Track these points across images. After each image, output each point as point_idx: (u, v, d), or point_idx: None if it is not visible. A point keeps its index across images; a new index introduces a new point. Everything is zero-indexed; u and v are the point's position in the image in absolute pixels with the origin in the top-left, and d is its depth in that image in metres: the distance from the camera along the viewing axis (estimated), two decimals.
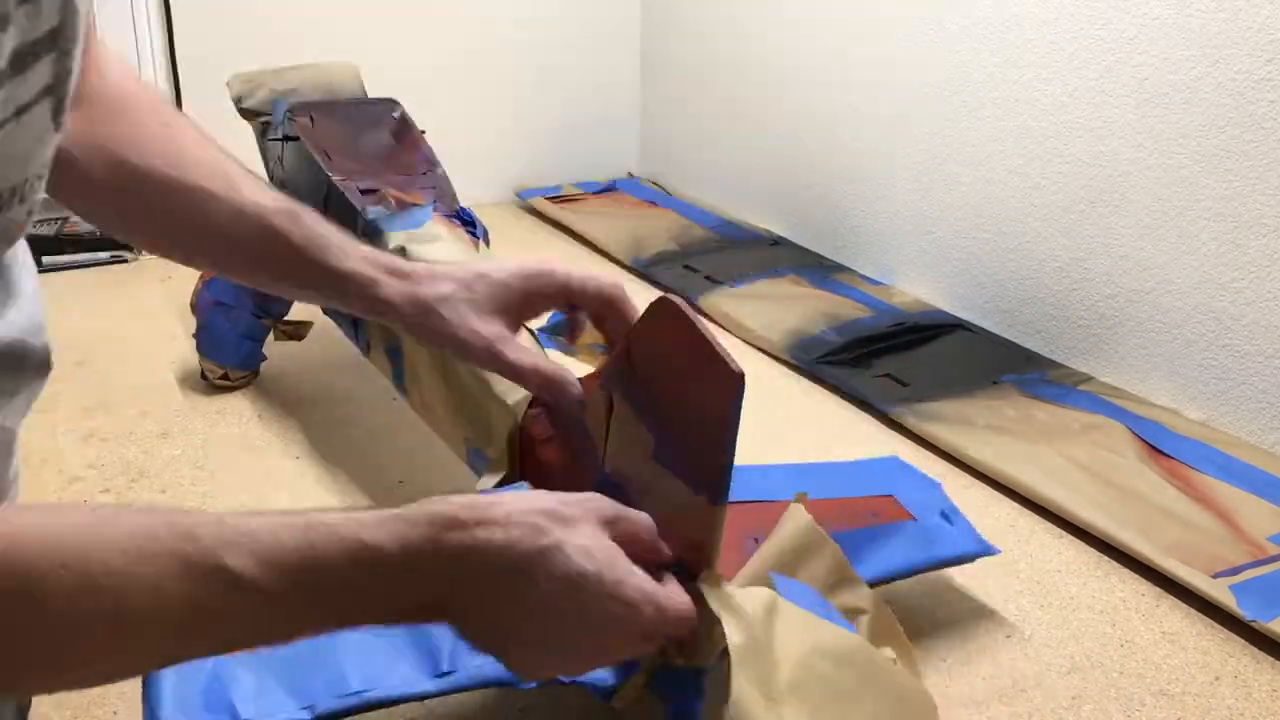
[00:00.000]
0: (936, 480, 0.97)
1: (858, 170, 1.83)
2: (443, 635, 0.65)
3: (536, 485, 0.79)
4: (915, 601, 0.97)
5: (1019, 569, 1.04)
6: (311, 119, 1.19)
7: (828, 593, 0.73)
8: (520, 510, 0.49)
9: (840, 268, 1.86)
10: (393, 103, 1.24)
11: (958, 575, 1.01)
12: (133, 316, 1.61)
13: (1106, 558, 1.06)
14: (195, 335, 1.33)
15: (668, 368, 0.61)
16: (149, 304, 1.65)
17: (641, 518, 0.55)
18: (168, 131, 0.64)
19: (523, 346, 0.66)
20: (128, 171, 0.62)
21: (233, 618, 0.43)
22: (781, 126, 2.00)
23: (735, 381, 0.55)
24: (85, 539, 0.41)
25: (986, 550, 0.91)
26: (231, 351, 1.32)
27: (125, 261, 1.83)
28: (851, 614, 0.73)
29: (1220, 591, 0.97)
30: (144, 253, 1.86)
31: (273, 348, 1.36)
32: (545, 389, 0.66)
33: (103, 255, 1.82)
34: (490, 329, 0.65)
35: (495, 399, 0.87)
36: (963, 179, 1.62)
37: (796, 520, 0.75)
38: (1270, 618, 0.93)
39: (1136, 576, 1.03)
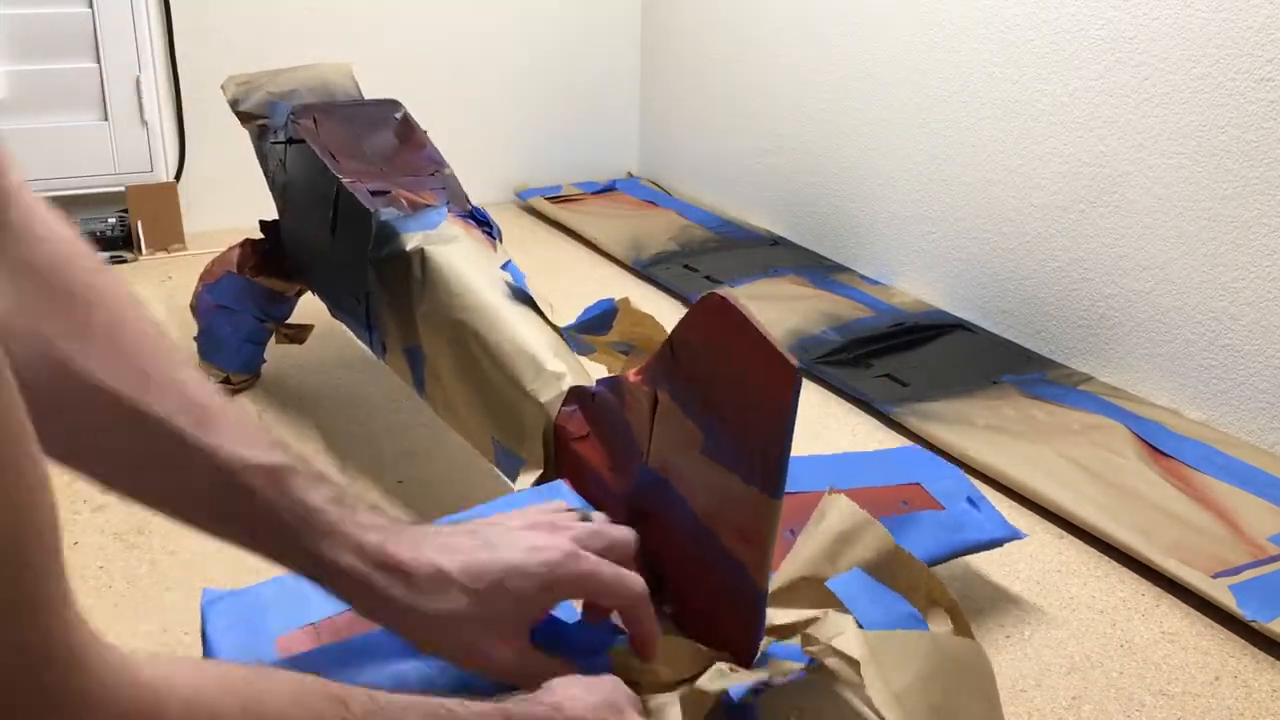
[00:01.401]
0: (959, 469, 0.97)
1: (858, 170, 1.83)
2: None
3: (574, 482, 0.80)
4: None
5: (1019, 569, 1.04)
6: (315, 121, 1.19)
7: (881, 573, 0.73)
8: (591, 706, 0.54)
9: (840, 268, 1.86)
10: (395, 103, 1.24)
11: (957, 575, 1.01)
12: None
13: (1106, 558, 1.06)
14: (196, 339, 1.32)
15: (718, 362, 0.62)
16: (149, 304, 1.65)
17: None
18: (121, 333, 0.52)
19: (545, 662, 0.59)
20: (75, 389, 0.50)
21: None
22: (781, 126, 2.00)
23: (792, 374, 0.56)
24: (256, 689, 0.43)
25: (1014, 535, 0.93)
26: (233, 355, 1.31)
27: (125, 261, 1.83)
28: (910, 593, 0.73)
29: (1220, 591, 0.97)
30: (144, 253, 1.87)
31: (272, 349, 1.36)
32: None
33: (103, 255, 1.82)
34: (505, 654, 0.58)
35: (528, 398, 0.87)
36: (963, 179, 1.62)
37: (839, 507, 0.75)
38: (1270, 618, 0.93)
39: (1136, 576, 1.03)
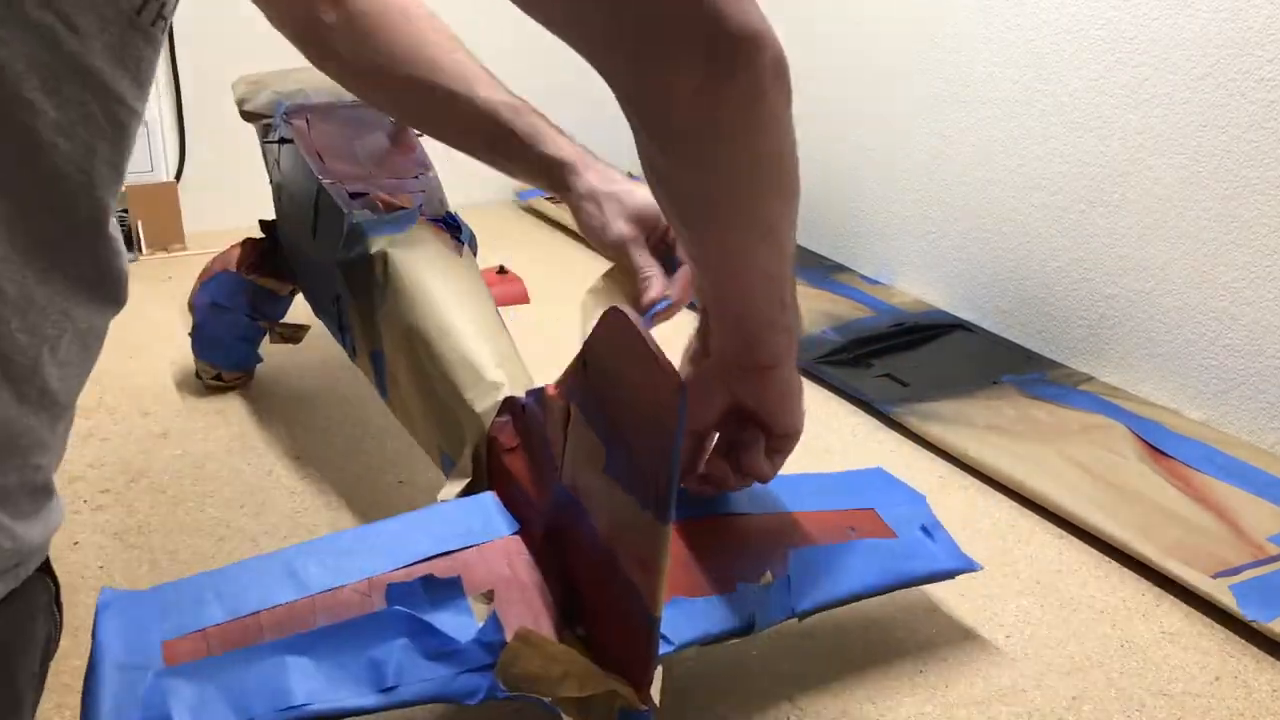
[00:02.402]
0: (921, 494, 0.94)
1: (857, 170, 1.83)
2: (389, 649, 0.64)
3: (501, 494, 0.77)
4: (914, 601, 0.97)
5: (1019, 569, 1.04)
6: (307, 121, 1.19)
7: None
8: None
9: (840, 268, 1.86)
10: None
11: (957, 575, 1.01)
12: (132, 316, 1.60)
13: (1106, 558, 1.06)
14: (190, 335, 1.33)
15: (618, 379, 0.60)
16: (148, 303, 1.65)
17: None
18: (419, 37, 0.84)
19: (646, 254, 0.84)
20: (387, 75, 0.84)
21: None
22: None
23: (677, 392, 0.53)
24: None
25: (968, 566, 0.88)
26: (226, 353, 1.32)
27: None
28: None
29: (1220, 591, 0.97)
30: (144, 253, 1.87)
31: (272, 349, 1.36)
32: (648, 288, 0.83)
33: None
34: (628, 230, 0.85)
35: (465, 406, 0.85)
36: (963, 179, 1.62)
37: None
38: (1270, 618, 0.93)
39: (1136, 576, 1.03)
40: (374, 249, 0.99)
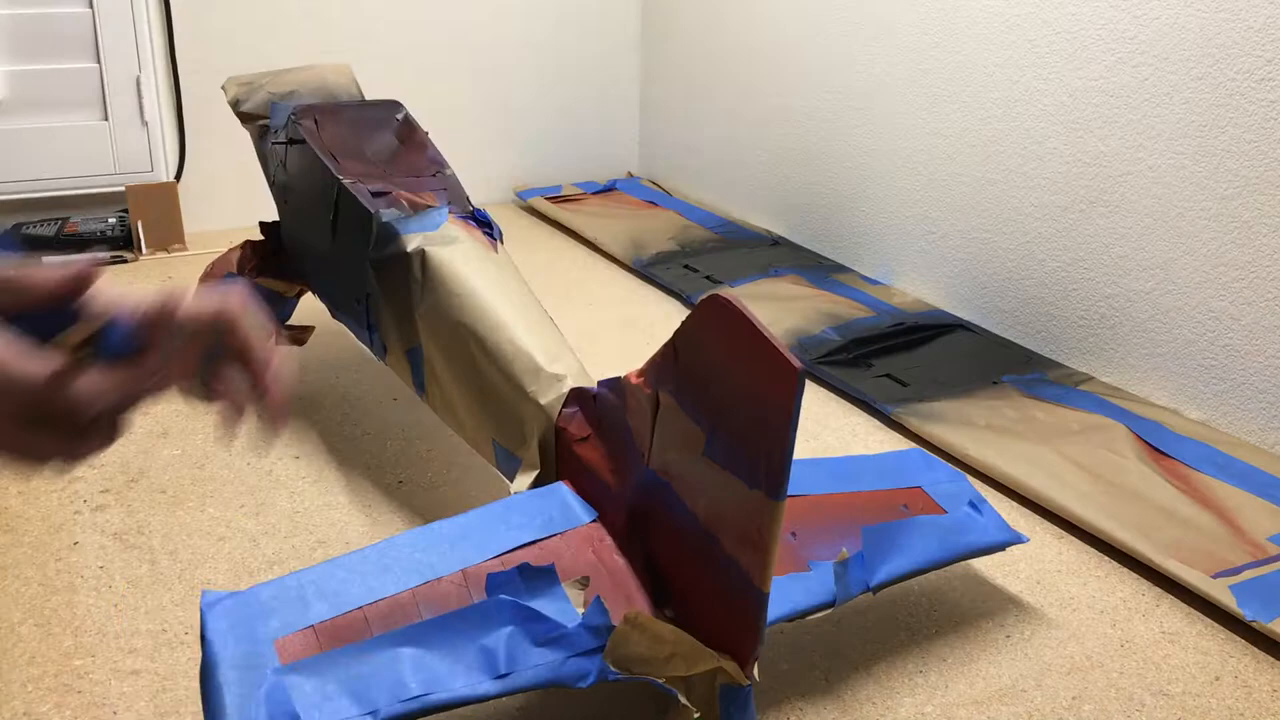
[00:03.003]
0: (961, 473, 0.97)
1: (857, 170, 1.83)
2: (498, 637, 0.66)
3: (575, 484, 0.80)
4: (914, 600, 0.97)
5: (1019, 569, 1.04)
6: (316, 122, 1.18)
7: None
8: None
9: (840, 268, 1.86)
10: (396, 104, 1.24)
11: (958, 576, 1.01)
12: None
13: (1106, 558, 1.06)
14: None
15: (720, 364, 0.62)
16: None
17: None
18: None
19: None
20: None
21: None
22: (782, 127, 2.00)
23: (795, 376, 0.56)
24: None
25: (1016, 539, 0.92)
26: None
27: (125, 261, 1.83)
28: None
29: (1220, 591, 0.97)
30: (144, 253, 1.86)
31: None
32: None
33: (103, 255, 1.82)
34: None
35: (529, 400, 0.87)
36: (963, 179, 1.62)
37: None
38: (1270, 618, 0.93)
39: (1136, 576, 1.03)
40: (410, 247, 1.00)
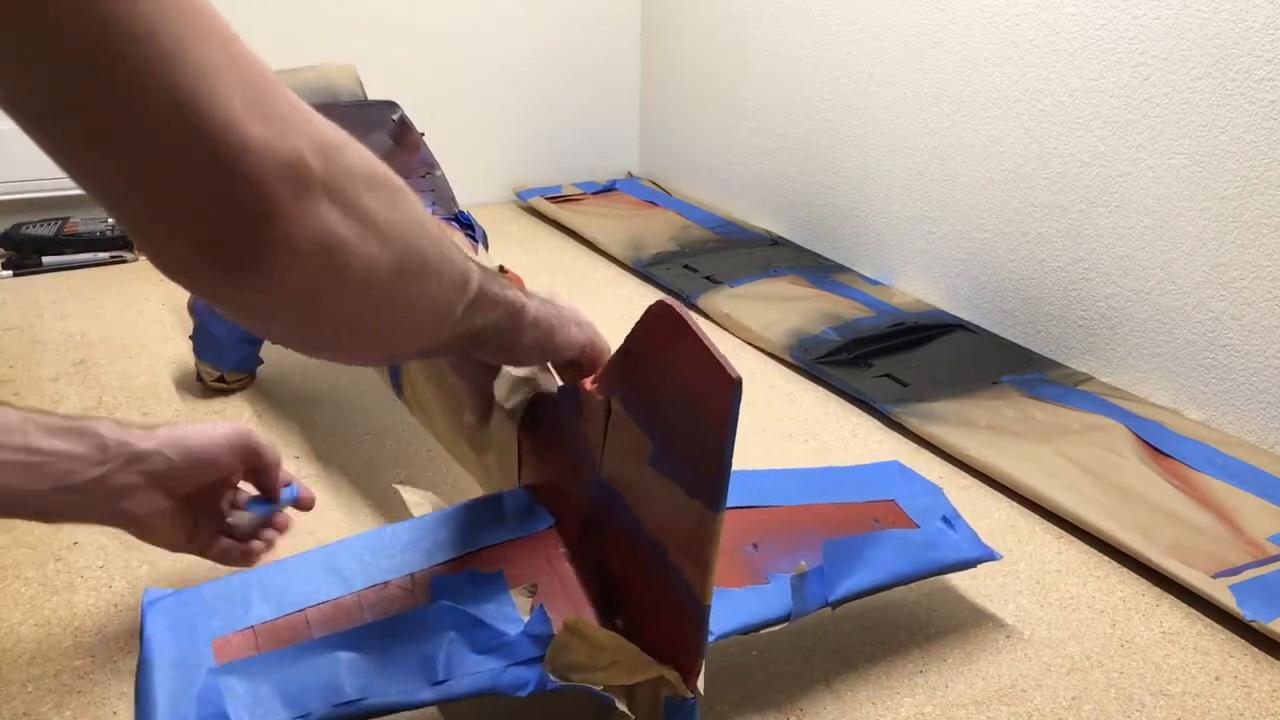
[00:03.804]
0: (938, 485, 0.96)
1: (858, 170, 1.83)
2: (439, 644, 0.65)
3: (536, 490, 0.79)
4: (914, 601, 0.97)
5: (1019, 569, 1.04)
6: None
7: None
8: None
9: (840, 268, 1.86)
10: (392, 105, 1.24)
11: (957, 575, 1.01)
12: (133, 316, 1.61)
13: (1106, 558, 1.06)
14: (191, 337, 1.33)
15: (665, 372, 0.61)
16: (149, 304, 1.65)
17: None
18: None
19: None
20: None
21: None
22: (782, 126, 2.00)
23: (732, 386, 0.54)
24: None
25: (988, 555, 0.91)
26: (228, 354, 1.31)
27: (125, 261, 1.83)
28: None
29: (1220, 591, 0.97)
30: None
31: (273, 350, 1.36)
32: None
33: (103, 255, 1.82)
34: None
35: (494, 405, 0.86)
36: (963, 179, 1.62)
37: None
38: (1270, 618, 0.93)
39: (1136, 576, 1.03)
40: None
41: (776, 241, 1.99)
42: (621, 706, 0.65)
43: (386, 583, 0.69)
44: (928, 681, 0.87)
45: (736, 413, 0.55)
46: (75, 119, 0.39)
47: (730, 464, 0.57)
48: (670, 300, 0.60)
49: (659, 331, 0.61)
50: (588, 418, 0.71)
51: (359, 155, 0.47)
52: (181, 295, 1.69)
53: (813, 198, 1.95)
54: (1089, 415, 1.31)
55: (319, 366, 1.41)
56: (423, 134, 1.25)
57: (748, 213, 2.13)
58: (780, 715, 0.83)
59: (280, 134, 0.41)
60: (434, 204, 1.08)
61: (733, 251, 1.92)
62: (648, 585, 0.66)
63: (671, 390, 0.61)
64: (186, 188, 0.40)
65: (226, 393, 1.35)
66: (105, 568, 0.99)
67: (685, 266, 1.83)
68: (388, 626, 0.66)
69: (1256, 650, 0.93)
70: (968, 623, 0.95)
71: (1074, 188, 1.45)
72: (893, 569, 0.84)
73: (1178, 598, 1.00)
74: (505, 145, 2.32)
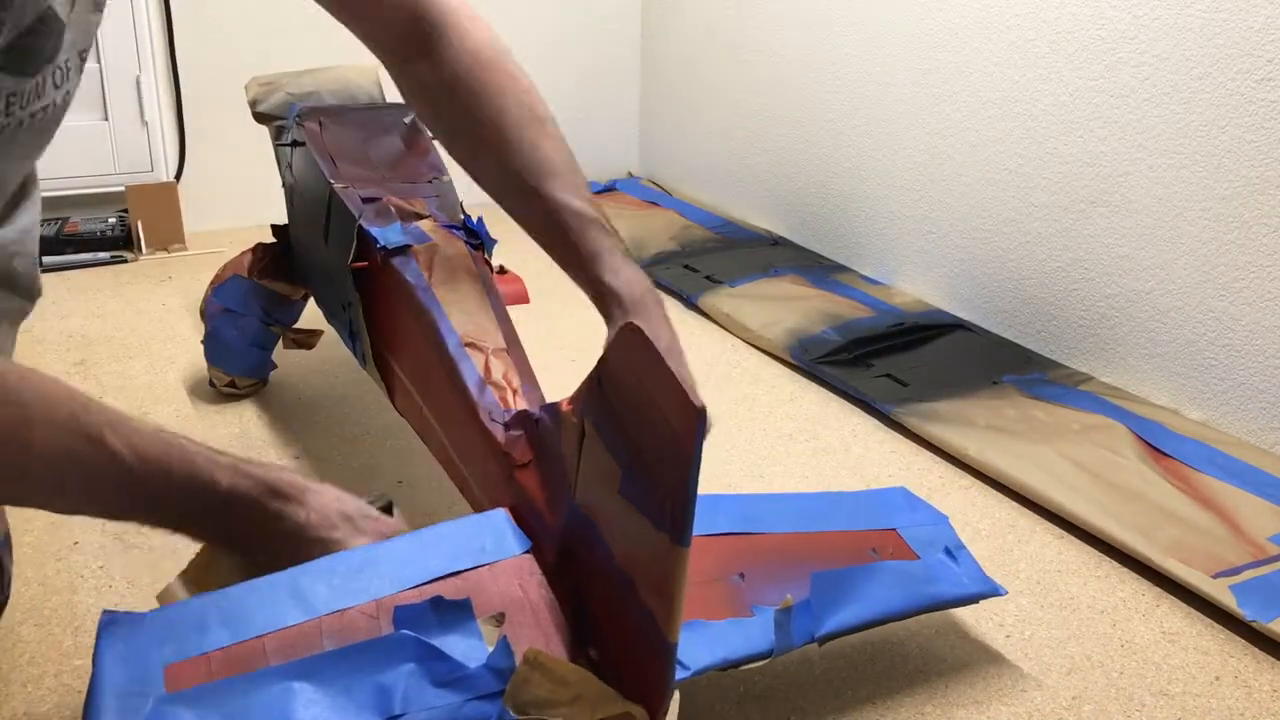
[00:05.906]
0: (944, 515, 0.92)
1: (858, 170, 1.83)
2: (397, 675, 0.63)
3: (514, 512, 0.75)
4: None
5: (1019, 569, 1.04)
6: (320, 124, 1.17)
7: None
8: (325, 504, 0.71)
9: (840, 268, 1.86)
10: (405, 109, 1.23)
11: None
12: (133, 316, 1.61)
13: (1106, 558, 1.06)
14: (203, 342, 1.31)
15: (632, 398, 0.59)
16: (149, 304, 1.65)
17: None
18: (510, 117, 0.90)
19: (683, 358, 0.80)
20: (471, 141, 0.89)
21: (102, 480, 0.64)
22: (782, 126, 2.00)
23: (695, 415, 0.52)
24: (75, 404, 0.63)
25: (991, 591, 0.86)
26: (239, 359, 1.30)
27: (125, 261, 1.83)
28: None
29: (1220, 591, 0.97)
30: (144, 253, 1.87)
31: (280, 354, 1.36)
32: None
33: (103, 255, 1.82)
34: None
35: (475, 418, 0.84)
36: (963, 179, 1.62)
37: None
38: (1270, 618, 0.93)
39: (1136, 576, 1.04)
40: None
41: (776, 241, 1.99)
42: None
43: (349, 609, 0.66)
44: (928, 681, 0.87)
45: (701, 442, 0.53)
46: None
47: (695, 495, 0.54)
48: (640, 322, 0.58)
49: (629, 355, 0.58)
50: (565, 439, 0.68)
51: None
52: (183, 295, 1.69)
53: (813, 197, 1.95)
54: (1089, 415, 1.31)
55: (325, 369, 1.41)
56: (433, 138, 1.24)
57: (748, 213, 2.13)
58: (780, 715, 0.83)
59: None
60: (438, 209, 1.07)
61: (733, 251, 1.92)
62: (618, 617, 0.63)
63: (639, 417, 0.58)
64: None
65: (239, 398, 1.34)
66: (105, 568, 0.99)
67: (685, 266, 1.83)
68: (345, 655, 0.63)
69: (1256, 650, 0.93)
70: (967, 622, 0.95)
71: (1074, 188, 1.45)
72: (885, 604, 0.80)
73: (1178, 598, 1.00)
74: None
